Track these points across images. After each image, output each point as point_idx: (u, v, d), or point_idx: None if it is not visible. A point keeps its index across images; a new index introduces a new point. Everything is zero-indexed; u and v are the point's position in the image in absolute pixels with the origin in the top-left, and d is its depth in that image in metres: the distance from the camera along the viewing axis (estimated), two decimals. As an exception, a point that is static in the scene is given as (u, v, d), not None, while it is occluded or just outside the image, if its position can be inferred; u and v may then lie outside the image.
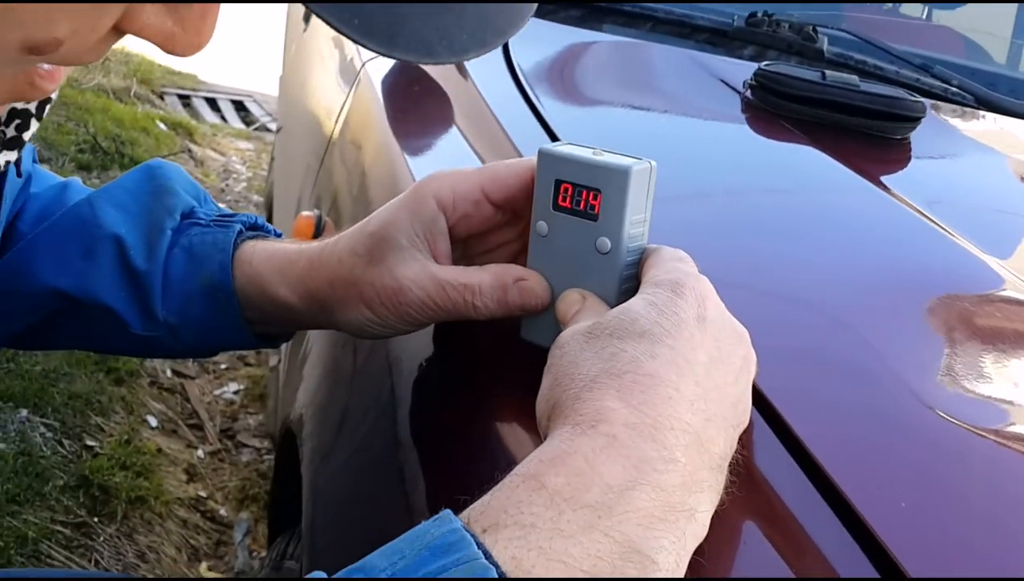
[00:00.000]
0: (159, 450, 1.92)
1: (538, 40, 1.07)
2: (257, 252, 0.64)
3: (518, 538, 0.37)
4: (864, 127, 0.91)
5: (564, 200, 0.52)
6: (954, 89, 1.10)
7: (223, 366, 2.36)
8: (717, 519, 0.41)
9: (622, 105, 0.96)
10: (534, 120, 0.85)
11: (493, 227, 0.58)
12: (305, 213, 1.13)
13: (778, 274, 0.65)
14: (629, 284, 0.51)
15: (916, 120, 0.91)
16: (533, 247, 0.55)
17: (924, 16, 1.90)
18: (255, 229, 0.68)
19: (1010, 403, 0.55)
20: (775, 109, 0.92)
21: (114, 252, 0.65)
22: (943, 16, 1.89)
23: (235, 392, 2.26)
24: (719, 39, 1.14)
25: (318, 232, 1.09)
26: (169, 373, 2.24)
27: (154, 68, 4.81)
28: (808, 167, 0.85)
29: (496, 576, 0.36)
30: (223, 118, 4.61)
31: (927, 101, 1.04)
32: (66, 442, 1.84)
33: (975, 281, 0.68)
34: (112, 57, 4.66)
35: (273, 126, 4.41)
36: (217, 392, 2.25)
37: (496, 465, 0.42)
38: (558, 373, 0.45)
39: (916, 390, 0.53)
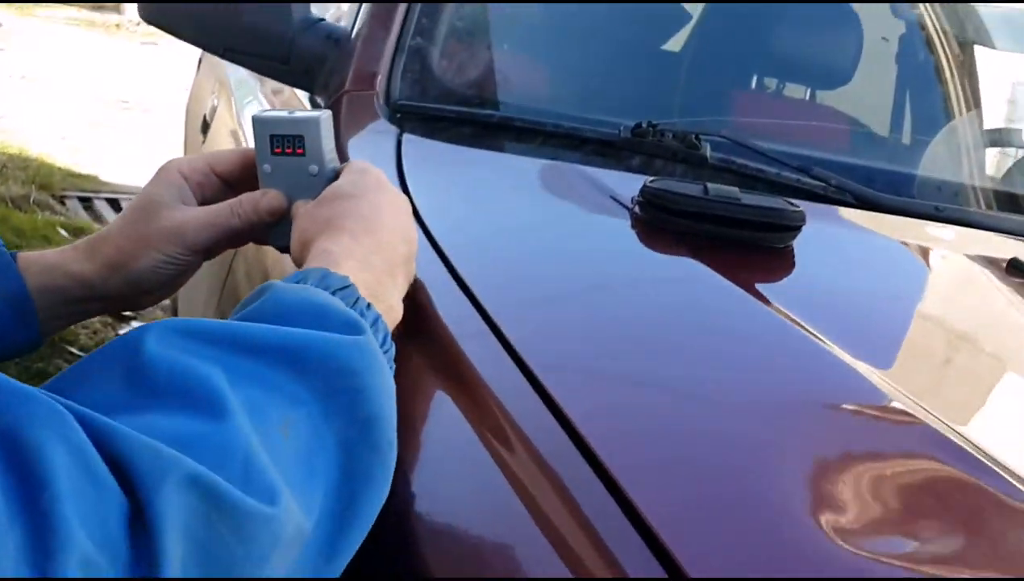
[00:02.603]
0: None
1: (431, 161, 1.09)
2: (32, 258, 0.76)
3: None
4: (747, 239, 0.94)
5: (277, 147, 0.76)
6: (832, 188, 1.15)
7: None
8: None
9: (514, 225, 0.97)
10: (426, 241, 0.86)
11: (220, 195, 0.79)
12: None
13: (656, 394, 0.67)
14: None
15: (796, 229, 0.95)
16: (263, 182, 0.78)
17: (807, 96, 1.99)
18: None
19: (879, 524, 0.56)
20: (662, 225, 0.95)
21: None
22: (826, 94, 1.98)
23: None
24: (608, 150, 1.17)
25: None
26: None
27: (54, 171, 4.72)
28: (691, 282, 0.87)
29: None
30: (127, 219, 4.53)
31: (808, 204, 1.08)
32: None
33: (845, 392, 0.71)
34: (11, 163, 4.57)
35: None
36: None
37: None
38: (304, 225, 0.70)
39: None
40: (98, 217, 4.41)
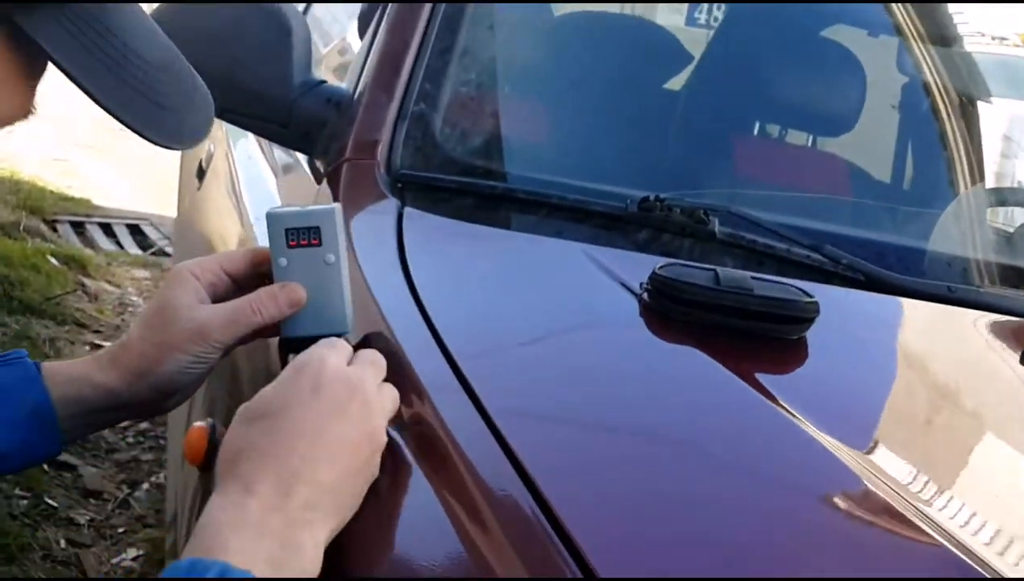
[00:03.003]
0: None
1: (432, 239, 1.06)
2: (55, 368, 0.78)
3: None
4: (759, 330, 0.92)
5: (292, 240, 0.79)
6: (843, 266, 1.13)
7: (121, 530, 2.25)
8: None
9: (516, 312, 0.95)
10: (424, 326, 0.84)
11: (231, 294, 0.80)
12: (197, 423, 1.08)
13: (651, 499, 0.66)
14: (348, 283, 0.81)
15: (810, 321, 0.92)
16: (277, 276, 0.80)
17: (809, 143, 1.97)
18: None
19: None
20: (671, 314, 0.92)
21: None
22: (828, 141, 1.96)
23: (134, 559, 2.15)
24: (614, 224, 1.15)
25: (212, 445, 1.04)
26: (63, 543, 2.12)
27: (45, 195, 4.68)
28: (699, 380, 0.85)
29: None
30: (119, 244, 4.50)
31: (819, 286, 1.06)
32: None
33: (851, 500, 0.69)
34: (1, 186, 4.52)
35: (171, 249, 4.32)
36: (115, 560, 2.13)
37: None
38: (225, 444, 0.63)
39: None
40: (90, 243, 4.38)
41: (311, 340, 0.85)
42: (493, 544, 0.60)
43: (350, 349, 0.71)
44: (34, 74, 0.57)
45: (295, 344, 0.84)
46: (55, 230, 4.38)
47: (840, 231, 1.23)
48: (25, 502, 2.21)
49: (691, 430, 0.78)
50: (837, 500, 0.73)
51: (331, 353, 0.68)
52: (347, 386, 0.65)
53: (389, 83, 1.25)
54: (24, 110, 0.58)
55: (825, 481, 0.73)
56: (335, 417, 0.63)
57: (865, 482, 0.71)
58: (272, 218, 0.80)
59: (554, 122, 1.41)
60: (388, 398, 0.69)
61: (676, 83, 1.77)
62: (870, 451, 0.81)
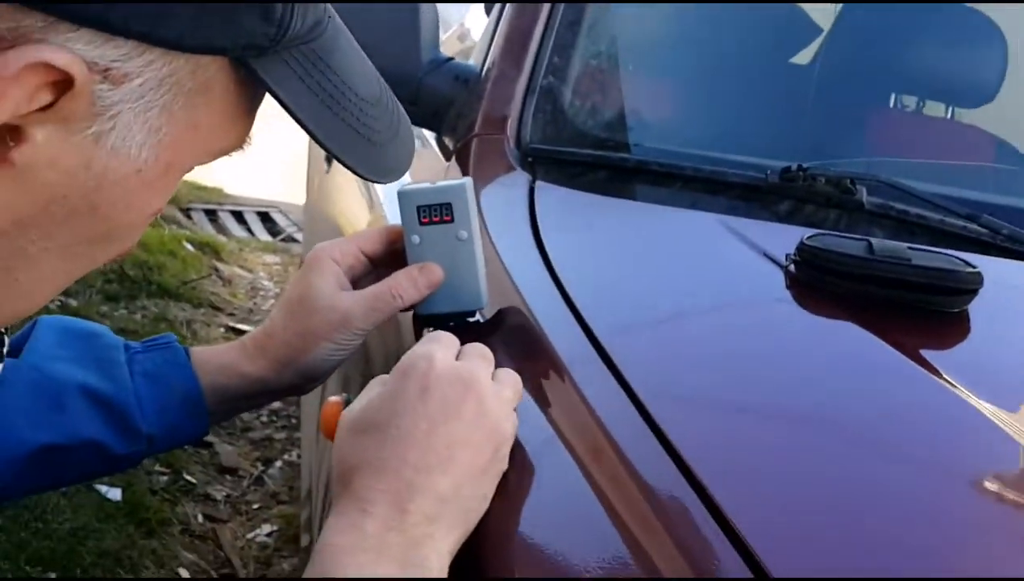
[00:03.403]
0: (192, 608, 1.86)
1: (564, 212, 1.04)
2: (204, 356, 0.80)
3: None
4: (918, 302, 0.86)
5: (425, 217, 0.78)
6: (1003, 238, 1.05)
7: (256, 506, 2.31)
8: None
9: (655, 285, 0.91)
10: (561, 301, 0.81)
11: (367, 272, 0.81)
12: (332, 398, 1.08)
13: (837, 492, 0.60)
14: (482, 258, 0.80)
15: (973, 292, 0.86)
16: (411, 254, 0.79)
17: (949, 115, 1.86)
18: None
19: None
20: (822, 285, 0.87)
21: (83, 395, 0.76)
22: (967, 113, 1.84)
23: (268, 534, 2.20)
24: (753, 195, 1.10)
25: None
26: (200, 518, 2.19)
27: (180, 185, 4.85)
28: (857, 356, 0.79)
29: None
30: (249, 231, 4.64)
31: (978, 257, 0.99)
32: (97, 607, 1.78)
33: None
34: (139, 176, 4.71)
35: (299, 236, 4.42)
36: (250, 536, 2.19)
37: None
38: (337, 458, 0.60)
39: None
40: (223, 229, 4.53)
41: (446, 317, 0.84)
42: (653, 541, 0.55)
43: (457, 342, 0.67)
44: (255, 108, 0.56)
45: (430, 320, 0.83)
46: (190, 217, 4.55)
47: (997, 201, 1.14)
48: (165, 478, 2.29)
49: (856, 413, 0.72)
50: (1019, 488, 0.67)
51: (438, 349, 0.63)
52: (459, 383, 0.60)
53: (518, 58, 1.23)
54: (242, 141, 0.57)
55: (1004, 464, 0.67)
56: (448, 419, 0.59)
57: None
58: (404, 196, 0.79)
59: (684, 95, 1.36)
60: (508, 386, 0.64)
61: (804, 56, 1.70)
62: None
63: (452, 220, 0.78)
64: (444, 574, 0.56)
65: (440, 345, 0.64)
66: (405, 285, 0.78)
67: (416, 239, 0.79)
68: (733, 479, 0.60)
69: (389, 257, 0.82)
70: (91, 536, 1.94)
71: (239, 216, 4.80)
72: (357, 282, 0.80)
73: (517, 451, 0.64)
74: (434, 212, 0.78)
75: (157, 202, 0.55)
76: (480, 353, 0.66)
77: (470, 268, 0.80)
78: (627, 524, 0.57)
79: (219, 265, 3.89)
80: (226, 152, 0.58)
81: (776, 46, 1.64)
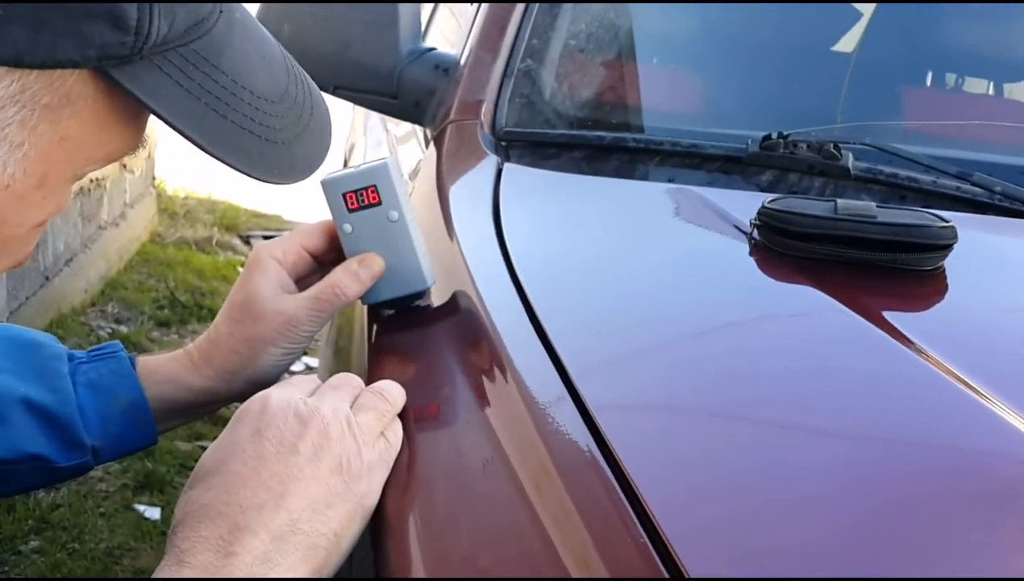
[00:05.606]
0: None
1: (531, 192, 1.01)
2: (151, 365, 0.79)
3: None
4: (888, 261, 0.81)
5: (353, 203, 0.76)
6: (998, 196, 0.99)
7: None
8: None
9: (610, 257, 0.87)
10: (509, 280, 0.78)
11: (311, 269, 0.79)
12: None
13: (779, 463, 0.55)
14: (419, 236, 0.78)
15: (946, 247, 0.81)
16: (346, 244, 0.77)
17: (990, 91, 1.78)
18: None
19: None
20: (784, 249, 0.83)
21: (24, 409, 0.75)
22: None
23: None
24: (733, 167, 1.05)
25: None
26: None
27: (240, 213, 4.95)
28: (814, 321, 0.75)
29: None
30: (306, 256, 4.69)
31: (968, 216, 0.93)
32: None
33: (1006, 459, 0.57)
34: (199, 206, 4.83)
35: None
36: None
37: None
38: (176, 512, 0.57)
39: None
40: (279, 255, 4.59)
41: (394, 302, 0.81)
42: (569, 537, 0.51)
43: (314, 381, 0.65)
44: (139, 113, 0.54)
45: (379, 308, 0.81)
46: (248, 244, 4.63)
47: (993, 159, 1.08)
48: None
49: (803, 391, 0.66)
50: (989, 457, 0.61)
51: (277, 391, 0.61)
52: (295, 419, 0.58)
53: (495, 43, 1.21)
54: (130, 146, 0.56)
55: (972, 434, 0.61)
56: (281, 456, 0.57)
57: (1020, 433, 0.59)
58: (327, 184, 0.76)
59: (661, 79, 1.32)
60: (371, 410, 0.62)
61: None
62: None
63: (380, 202, 0.76)
64: None
65: (287, 387, 0.62)
66: (346, 281, 0.76)
67: (348, 228, 0.77)
68: (663, 471, 0.55)
69: (332, 252, 0.79)
70: (127, 555, 1.97)
71: (296, 241, 4.86)
72: (302, 280, 0.79)
73: (432, 441, 0.62)
74: (360, 197, 0.76)
75: (40, 214, 0.54)
76: (335, 384, 0.64)
77: (408, 249, 0.78)
78: (543, 520, 0.52)
79: (272, 288, 3.94)
80: (115, 158, 0.57)
81: (749, 25, 1.57)
